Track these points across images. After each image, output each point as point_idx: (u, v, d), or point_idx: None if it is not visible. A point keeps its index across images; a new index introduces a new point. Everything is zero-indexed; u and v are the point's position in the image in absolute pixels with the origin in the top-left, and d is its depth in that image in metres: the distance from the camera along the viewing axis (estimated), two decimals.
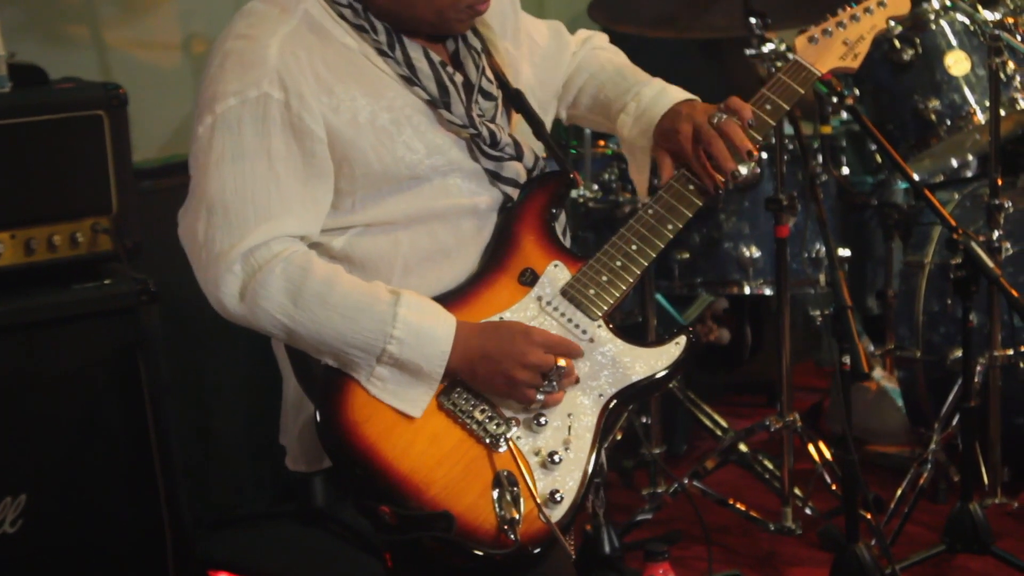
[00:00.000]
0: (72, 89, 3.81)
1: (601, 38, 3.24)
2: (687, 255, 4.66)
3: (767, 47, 4.01)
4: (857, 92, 4.72)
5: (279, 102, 2.65)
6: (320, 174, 2.70)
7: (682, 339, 2.81)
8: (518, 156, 2.87)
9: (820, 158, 4.72)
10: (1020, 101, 4.56)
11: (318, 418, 2.65)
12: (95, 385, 3.72)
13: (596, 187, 4.62)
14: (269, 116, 2.65)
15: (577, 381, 2.74)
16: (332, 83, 2.71)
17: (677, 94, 3.01)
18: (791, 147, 4.48)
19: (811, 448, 4.38)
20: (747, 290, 4.66)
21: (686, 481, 4.36)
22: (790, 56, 3.09)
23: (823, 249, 4.62)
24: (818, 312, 5.06)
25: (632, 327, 4.49)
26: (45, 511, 3.63)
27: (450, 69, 2.82)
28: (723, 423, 4.80)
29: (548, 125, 3.09)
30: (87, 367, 3.70)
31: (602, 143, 4.72)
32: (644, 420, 4.57)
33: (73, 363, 3.69)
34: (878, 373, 5.03)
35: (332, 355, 2.66)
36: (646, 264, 2.82)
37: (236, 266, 2.63)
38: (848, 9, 3.18)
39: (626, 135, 3.05)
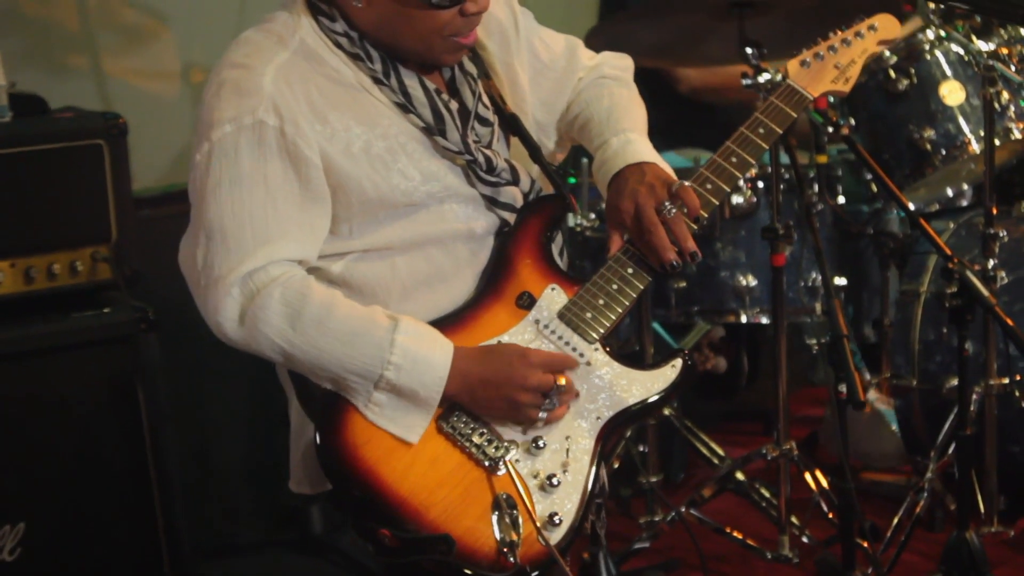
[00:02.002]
0: (72, 119, 3.83)
1: (616, 64, 3.19)
2: (684, 284, 4.67)
3: (763, 77, 4.02)
4: (853, 122, 4.74)
5: (274, 129, 2.66)
6: (316, 199, 2.71)
7: (678, 362, 2.82)
8: (514, 181, 2.88)
9: (816, 187, 4.73)
10: (1014, 131, 4.58)
11: (318, 440, 2.66)
12: (94, 413, 3.73)
13: (593, 216, 4.64)
14: (265, 142, 2.66)
15: (577, 395, 2.75)
16: (326, 112, 2.72)
17: (633, 154, 2.93)
18: (787, 176, 4.49)
19: (808, 476, 4.37)
20: (744, 318, 4.67)
21: (683, 509, 4.34)
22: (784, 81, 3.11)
23: (819, 278, 4.63)
24: (814, 340, 5.06)
25: (629, 355, 4.49)
26: (44, 539, 3.64)
27: (445, 96, 2.83)
28: (720, 451, 4.80)
29: (551, 146, 3.11)
30: (86, 395, 3.72)
31: None
32: (641, 448, 4.57)
33: (72, 391, 3.70)
34: (873, 395, 5.02)
35: (330, 380, 2.67)
36: (642, 287, 2.82)
37: (235, 290, 2.64)
38: (839, 33, 3.19)
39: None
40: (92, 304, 3.77)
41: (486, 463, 2.67)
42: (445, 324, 2.74)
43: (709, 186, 2.90)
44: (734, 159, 2.94)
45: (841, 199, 5.00)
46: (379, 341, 2.64)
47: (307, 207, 2.70)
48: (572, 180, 4.63)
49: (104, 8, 4.64)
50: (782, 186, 4.35)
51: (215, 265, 2.65)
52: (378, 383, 2.65)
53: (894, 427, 4.88)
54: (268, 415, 4.38)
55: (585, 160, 4.54)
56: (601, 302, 2.80)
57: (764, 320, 4.65)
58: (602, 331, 2.79)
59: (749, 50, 4.12)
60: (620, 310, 2.80)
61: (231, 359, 4.24)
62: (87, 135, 3.75)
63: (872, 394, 5.00)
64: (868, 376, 5.00)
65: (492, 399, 2.68)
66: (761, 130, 2.99)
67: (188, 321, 3.44)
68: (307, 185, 2.69)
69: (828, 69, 3.14)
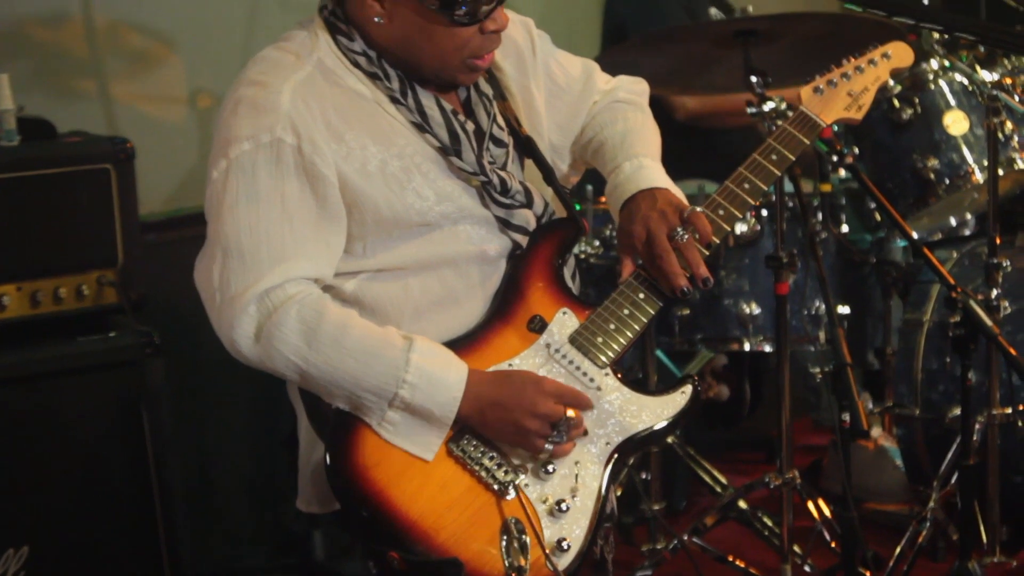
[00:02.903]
0: (80, 143, 3.85)
1: (632, 88, 3.19)
2: (687, 311, 4.67)
3: (768, 105, 4.02)
4: (857, 150, 4.75)
5: (292, 147, 2.67)
6: (332, 217, 2.72)
7: (688, 388, 2.83)
8: (528, 203, 2.89)
9: (820, 216, 4.74)
10: (1018, 160, 4.60)
11: (328, 460, 2.65)
12: (99, 437, 3.73)
13: (597, 243, 4.64)
14: (282, 160, 2.67)
15: (585, 433, 2.75)
16: (343, 131, 2.73)
17: (646, 179, 2.93)
18: (791, 205, 4.50)
19: (810, 505, 4.37)
20: (747, 347, 4.67)
21: (685, 537, 4.33)
22: (797, 108, 3.12)
23: (823, 306, 4.63)
24: (818, 369, 5.06)
25: (635, 382, 4.50)
26: (48, 563, 3.64)
27: (461, 117, 2.84)
28: (722, 479, 4.79)
29: (565, 168, 3.12)
30: (91, 419, 3.72)
31: (603, 199, 4.73)
32: (644, 476, 4.57)
33: (77, 415, 3.70)
34: (876, 432, 5.02)
35: (344, 398, 2.68)
36: (653, 312, 2.83)
37: (251, 307, 2.64)
38: (852, 60, 3.20)
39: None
40: (98, 328, 3.78)
41: (495, 487, 2.67)
42: (456, 346, 2.75)
43: (721, 212, 2.91)
44: (747, 185, 2.94)
45: (845, 228, 5.01)
46: (394, 360, 2.65)
47: (323, 225, 2.71)
48: (577, 207, 4.63)
49: (112, 33, 4.65)
50: (786, 214, 4.35)
51: (232, 282, 2.66)
52: (392, 401, 2.65)
53: (898, 462, 4.88)
54: (271, 441, 4.39)
55: (589, 187, 4.55)
56: (612, 327, 2.80)
57: (767, 348, 4.65)
58: (612, 356, 2.79)
59: (754, 79, 4.12)
60: (631, 335, 2.80)
61: (235, 384, 4.27)
62: (94, 159, 3.76)
63: (875, 431, 5.00)
64: (871, 405, 4.99)
65: (501, 422, 2.69)
66: (774, 156, 2.99)
67: (193, 346, 3.46)
68: (323, 203, 2.71)
69: (841, 96, 3.15)
